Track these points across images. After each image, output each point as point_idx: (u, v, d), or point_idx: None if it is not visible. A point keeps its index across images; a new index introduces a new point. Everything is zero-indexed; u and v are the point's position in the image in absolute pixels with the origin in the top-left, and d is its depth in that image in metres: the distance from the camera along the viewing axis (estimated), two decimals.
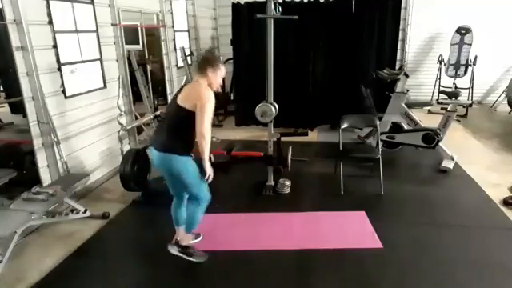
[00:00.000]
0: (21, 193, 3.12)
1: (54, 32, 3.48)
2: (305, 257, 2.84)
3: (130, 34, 6.13)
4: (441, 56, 7.31)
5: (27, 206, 2.96)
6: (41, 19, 3.36)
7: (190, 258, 2.74)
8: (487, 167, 4.52)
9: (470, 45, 7.14)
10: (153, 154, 2.57)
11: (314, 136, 5.82)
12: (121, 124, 4.48)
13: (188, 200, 2.78)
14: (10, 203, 3.09)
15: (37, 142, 3.39)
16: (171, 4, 5.86)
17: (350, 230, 3.23)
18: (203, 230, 3.25)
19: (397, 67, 6.04)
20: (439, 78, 7.35)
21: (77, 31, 3.78)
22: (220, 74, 2.57)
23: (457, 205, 3.64)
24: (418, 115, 4.94)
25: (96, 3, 4.04)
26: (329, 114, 6.01)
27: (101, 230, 3.30)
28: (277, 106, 3.78)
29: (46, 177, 3.49)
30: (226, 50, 7.31)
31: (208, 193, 2.75)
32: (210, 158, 2.54)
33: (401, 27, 6.41)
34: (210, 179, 2.58)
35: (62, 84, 3.62)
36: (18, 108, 4.23)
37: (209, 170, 2.54)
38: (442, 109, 4.56)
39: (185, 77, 5.85)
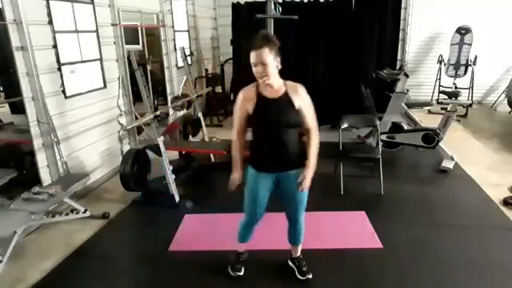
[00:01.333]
0: (21, 193, 3.11)
1: (54, 32, 3.48)
2: (305, 257, 2.84)
3: (130, 34, 6.12)
4: (441, 56, 7.31)
5: (27, 205, 2.96)
6: (41, 19, 3.36)
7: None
8: (487, 167, 4.52)
9: (470, 45, 7.14)
10: None
11: None
12: (121, 124, 4.48)
13: None
14: (9, 203, 3.09)
15: (37, 142, 3.39)
16: (171, 4, 5.86)
17: (350, 230, 3.23)
18: (203, 230, 3.26)
19: (397, 67, 6.04)
20: (439, 78, 7.35)
21: (77, 31, 3.78)
22: (252, 63, 2.06)
23: (457, 205, 3.64)
24: (417, 115, 4.95)
25: (96, 3, 4.04)
26: (329, 113, 6.01)
27: (101, 230, 3.30)
28: None
29: (45, 177, 3.49)
30: (226, 50, 7.32)
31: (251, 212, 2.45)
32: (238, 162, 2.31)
33: (401, 27, 6.42)
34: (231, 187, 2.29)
35: (62, 84, 3.62)
36: (18, 108, 4.23)
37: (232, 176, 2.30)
38: (442, 109, 4.56)
39: (185, 77, 5.85)
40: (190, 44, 6.74)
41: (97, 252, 3.01)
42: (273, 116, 2.14)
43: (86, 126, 4.02)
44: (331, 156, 4.47)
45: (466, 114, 6.85)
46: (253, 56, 2.03)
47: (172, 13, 5.91)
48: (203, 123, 4.83)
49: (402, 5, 6.33)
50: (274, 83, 2.12)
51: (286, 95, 2.16)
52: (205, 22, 7.48)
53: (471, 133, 5.97)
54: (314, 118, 2.28)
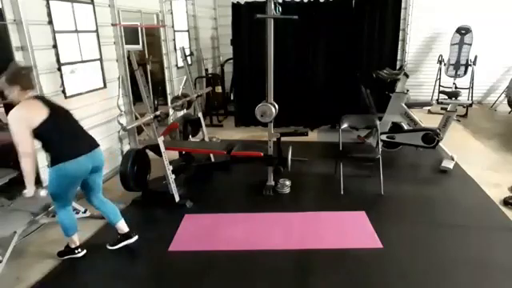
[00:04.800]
0: (21, 193, 3.11)
1: (54, 32, 3.48)
2: (305, 257, 2.84)
3: (130, 34, 6.13)
4: (441, 56, 7.31)
5: (27, 206, 2.96)
6: (41, 19, 3.35)
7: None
8: (487, 167, 4.52)
9: (470, 45, 7.14)
10: (87, 156, 2.70)
11: (314, 136, 5.82)
12: (121, 124, 4.48)
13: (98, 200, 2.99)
14: (10, 203, 3.09)
15: (37, 142, 3.38)
16: (171, 4, 5.86)
17: (349, 230, 3.23)
18: (203, 230, 3.26)
19: (397, 67, 6.04)
20: (439, 78, 7.35)
21: (77, 31, 3.78)
22: None
23: (457, 205, 3.65)
24: (418, 115, 4.94)
25: (96, 3, 4.04)
26: (329, 113, 6.02)
27: (101, 230, 3.30)
28: (277, 106, 3.78)
29: (46, 177, 3.48)
30: (226, 50, 7.32)
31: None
32: None
33: (401, 27, 6.41)
34: None
35: (62, 84, 3.62)
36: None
37: None
38: (442, 109, 4.56)
39: (185, 77, 5.85)
40: (190, 44, 6.74)
41: (97, 252, 3.01)
42: None
43: (85, 126, 3.97)
44: (331, 156, 4.49)
45: (466, 113, 6.85)
46: None
47: (172, 13, 5.92)
48: (203, 123, 4.83)
49: (402, 5, 6.31)
50: None
51: None
52: (205, 21, 7.48)
53: (471, 133, 5.97)
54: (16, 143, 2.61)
